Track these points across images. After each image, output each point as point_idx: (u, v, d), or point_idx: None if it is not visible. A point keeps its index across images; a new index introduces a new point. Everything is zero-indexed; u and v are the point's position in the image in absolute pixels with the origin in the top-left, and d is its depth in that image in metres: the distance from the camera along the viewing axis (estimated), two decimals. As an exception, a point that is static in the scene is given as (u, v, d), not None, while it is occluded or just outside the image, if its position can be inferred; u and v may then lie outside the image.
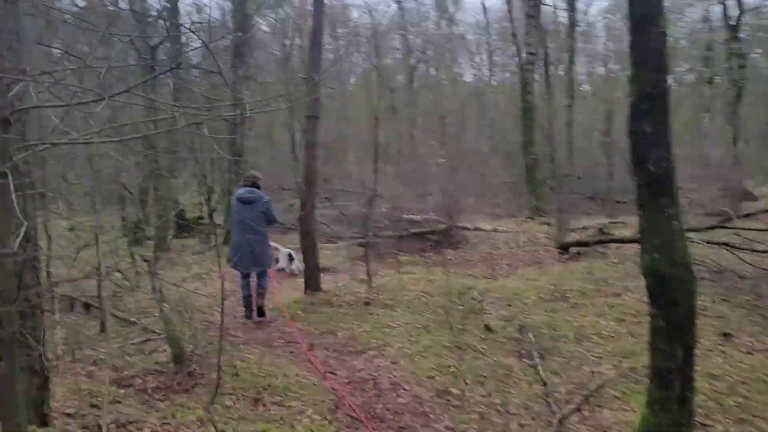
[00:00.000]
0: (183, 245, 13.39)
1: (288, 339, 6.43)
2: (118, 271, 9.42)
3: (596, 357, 5.43)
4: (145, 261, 7.17)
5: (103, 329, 6.55)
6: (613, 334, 5.95)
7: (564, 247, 10.03)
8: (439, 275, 9.08)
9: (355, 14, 36.09)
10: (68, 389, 4.62)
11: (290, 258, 10.56)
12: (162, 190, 12.21)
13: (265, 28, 31.00)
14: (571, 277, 8.17)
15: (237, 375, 5.12)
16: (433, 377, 5.14)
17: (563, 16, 24.23)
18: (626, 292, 7.24)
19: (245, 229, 6.85)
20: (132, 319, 7.14)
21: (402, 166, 22.84)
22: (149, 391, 4.91)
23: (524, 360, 5.39)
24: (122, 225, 13.85)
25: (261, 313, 7.10)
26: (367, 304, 7.29)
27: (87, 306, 7.64)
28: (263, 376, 5.13)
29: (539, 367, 5.17)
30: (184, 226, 14.67)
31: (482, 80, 36.45)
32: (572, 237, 11.07)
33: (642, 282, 3.45)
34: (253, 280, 7.24)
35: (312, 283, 7.70)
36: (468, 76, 38.79)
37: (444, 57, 35.34)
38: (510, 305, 7.07)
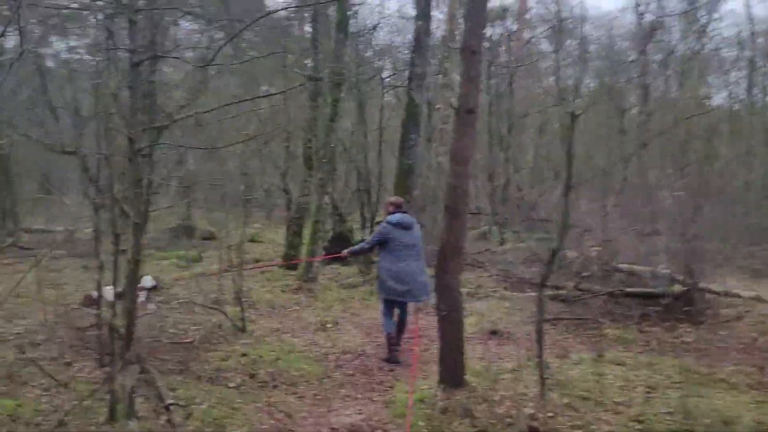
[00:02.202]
0: (338, 274, 11.23)
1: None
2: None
3: None
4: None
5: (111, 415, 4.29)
6: None
7: None
8: (669, 375, 5.69)
9: (588, 27, 32.19)
10: None
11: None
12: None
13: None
14: None
15: None
16: None
17: None
18: None
19: (410, 255, 6.50)
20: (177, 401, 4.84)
21: (625, 198, 18.95)
22: None
23: None
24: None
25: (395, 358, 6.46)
26: (533, 431, 4.24)
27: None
28: None
29: None
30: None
31: (738, 101, 30.29)
32: None
33: None
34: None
35: (449, 373, 4.84)
36: (719, 98, 32.70)
37: (689, 74, 30.09)
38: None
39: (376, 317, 8.35)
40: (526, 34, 27.82)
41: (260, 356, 5.94)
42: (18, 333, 5.99)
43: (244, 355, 6.02)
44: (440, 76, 16.83)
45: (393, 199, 7.19)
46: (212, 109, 4.40)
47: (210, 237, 17.31)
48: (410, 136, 10.39)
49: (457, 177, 4.54)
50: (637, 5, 26.91)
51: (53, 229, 16.78)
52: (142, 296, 7.99)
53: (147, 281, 8.59)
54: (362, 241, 12.77)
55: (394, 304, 6.62)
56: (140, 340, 5.24)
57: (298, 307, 8.83)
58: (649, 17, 28.34)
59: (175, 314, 7.50)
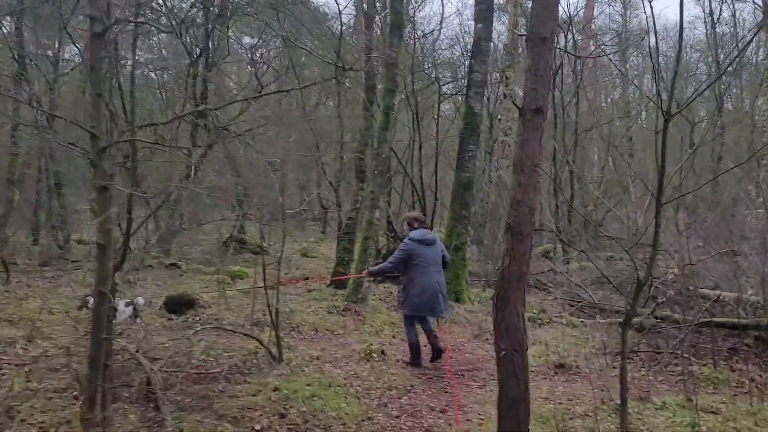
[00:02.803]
0: (389, 294, 10.51)
1: None
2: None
3: None
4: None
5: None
6: None
7: None
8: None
9: (652, 39, 30.49)
10: None
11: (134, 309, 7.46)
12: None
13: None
14: None
15: None
16: None
17: None
18: None
19: (434, 271, 6.63)
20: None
21: (701, 216, 17.58)
22: None
23: None
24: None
25: (439, 354, 6.76)
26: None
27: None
28: None
29: None
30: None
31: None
32: None
33: None
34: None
35: (510, 424, 4.03)
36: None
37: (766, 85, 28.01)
38: None
39: (426, 343, 7.63)
40: (592, 46, 26.67)
41: (294, 391, 5.27)
42: (35, 356, 5.51)
43: (276, 389, 5.35)
44: (501, 85, 16.03)
45: (414, 214, 7.27)
46: (221, 106, 3.76)
47: (260, 251, 16.89)
48: (468, 148, 9.62)
49: (522, 190, 3.76)
50: (711, 15, 25.38)
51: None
52: (126, 312, 7.44)
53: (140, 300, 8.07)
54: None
55: (416, 318, 6.72)
56: (155, 371, 4.64)
57: (343, 331, 8.17)
58: (721, 28, 26.65)
59: (212, 338, 6.93)
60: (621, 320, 8.56)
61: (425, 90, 13.76)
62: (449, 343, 7.69)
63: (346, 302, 9.37)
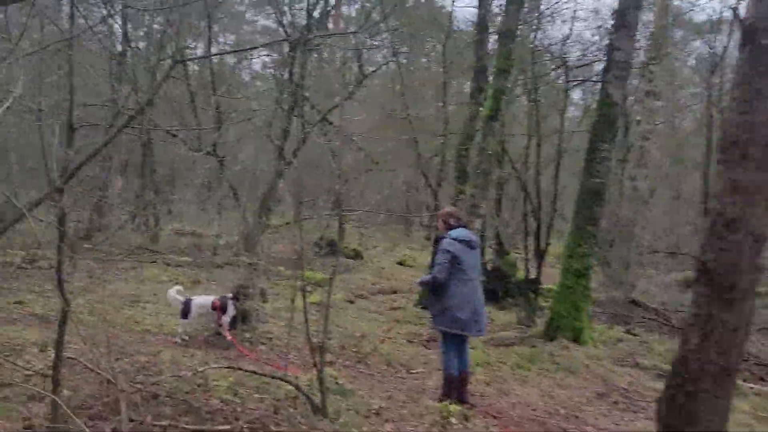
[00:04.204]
0: (489, 322, 8.62)
1: None
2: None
3: None
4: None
5: None
6: None
7: None
8: None
9: None
10: None
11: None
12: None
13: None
14: None
15: None
16: None
17: None
18: None
19: (474, 278, 5.51)
20: None
21: None
22: None
23: None
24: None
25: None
26: None
27: None
28: None
29: None
30: (511, 290, 9.96)
31: None
32: None
33: None
34: None
35: None
36: None
37: None
38: None
39: (530, 400, 5.72)
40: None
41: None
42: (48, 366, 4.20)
43: (301, 467, 3.70)
44: (644, 81, 13.81)
45: (452, 209, 6.21)
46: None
47: (355, 256, 15.55)
48: (602, 147, 7.50)
49: (741, 200, 1.85)
50: None
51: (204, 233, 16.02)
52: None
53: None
54: (529, 281, 10.11)
55: (457, 338, 5.50)
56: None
57: (423, 370, 6.43)
58: None
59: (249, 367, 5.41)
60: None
61: (548, 78, 11.56)
62: (561, 403, 5.75)
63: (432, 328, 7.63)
